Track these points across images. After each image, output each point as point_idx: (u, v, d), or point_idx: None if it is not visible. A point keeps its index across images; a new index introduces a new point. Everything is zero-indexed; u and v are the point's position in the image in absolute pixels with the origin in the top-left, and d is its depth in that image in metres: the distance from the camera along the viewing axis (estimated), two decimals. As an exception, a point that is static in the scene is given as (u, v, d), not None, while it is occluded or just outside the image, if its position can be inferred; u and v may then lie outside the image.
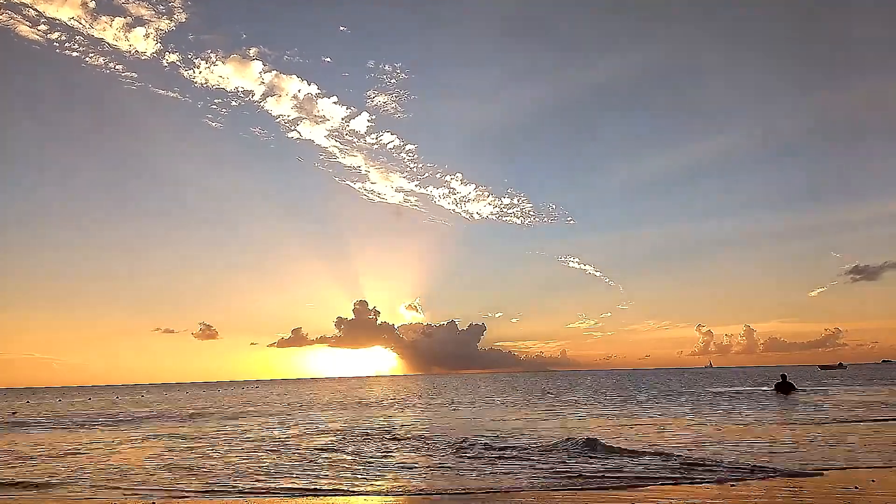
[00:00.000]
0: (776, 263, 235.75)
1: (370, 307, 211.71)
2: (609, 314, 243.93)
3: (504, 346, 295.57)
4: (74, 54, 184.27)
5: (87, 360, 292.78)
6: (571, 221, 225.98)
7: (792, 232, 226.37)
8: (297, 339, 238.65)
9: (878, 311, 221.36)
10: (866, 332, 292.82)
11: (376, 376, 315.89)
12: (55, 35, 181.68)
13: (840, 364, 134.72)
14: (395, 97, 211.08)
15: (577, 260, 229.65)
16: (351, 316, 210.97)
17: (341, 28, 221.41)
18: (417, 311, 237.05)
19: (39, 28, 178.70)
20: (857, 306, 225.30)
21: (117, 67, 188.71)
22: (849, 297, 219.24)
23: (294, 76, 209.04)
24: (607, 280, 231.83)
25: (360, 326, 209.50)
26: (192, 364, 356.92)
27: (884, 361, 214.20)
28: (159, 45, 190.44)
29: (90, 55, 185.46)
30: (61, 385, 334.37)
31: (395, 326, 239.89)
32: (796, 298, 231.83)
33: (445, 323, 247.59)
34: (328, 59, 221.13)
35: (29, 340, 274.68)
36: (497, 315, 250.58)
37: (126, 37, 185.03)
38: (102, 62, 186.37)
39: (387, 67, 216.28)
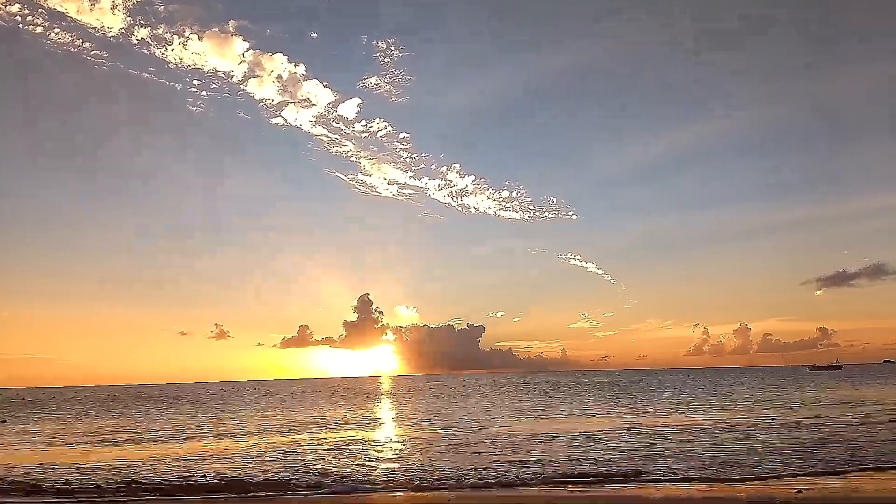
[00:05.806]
0: (777, 260, 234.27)
1: (373, 306, 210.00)
2: (612, 313, 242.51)
3: (505, 346, 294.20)
4: (38, 30, 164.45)
5: (88, 359, 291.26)
6: (573, 217, 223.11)
7: (794, 227, 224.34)
8: (301, 339, 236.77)
9: (879, 309, 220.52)
10: (865, 332, 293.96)
11: (376, 376, 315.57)
12: (15, 7, 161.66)
13: (815, 365, 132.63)
14: (389, 79, 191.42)
15: (578, 257, 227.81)
16: (353, 314, 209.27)
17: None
18: (414, 311, 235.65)
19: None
20: (858, 305, 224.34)
21: (85, 45, 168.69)
22: (850, 295, 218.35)
23: (279, 54, 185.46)
24: (609, 278, 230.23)
25: (363, 326, 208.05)
26: (200, 364, 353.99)
27: (885, 361, 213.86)
28: (129, 18, 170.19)
29: (55, 30, 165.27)
30: (65, 385, 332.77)
31: (395, 327, 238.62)
32: (796, 296, 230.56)
33: (444, 324, 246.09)
34: (314, 35, 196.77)
35: (28, 339, 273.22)
36: (499, 314, 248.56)
37: (90, 9, 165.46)
38: (68, 39, 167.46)
39: (380, 44, 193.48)
